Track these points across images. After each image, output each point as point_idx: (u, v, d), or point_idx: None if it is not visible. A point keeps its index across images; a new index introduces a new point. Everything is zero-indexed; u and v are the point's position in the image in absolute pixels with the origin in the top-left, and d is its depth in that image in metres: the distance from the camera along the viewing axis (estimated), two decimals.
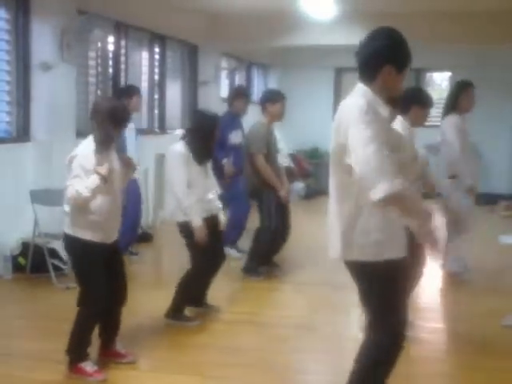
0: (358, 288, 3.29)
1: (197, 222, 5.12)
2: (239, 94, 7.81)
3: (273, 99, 6.74)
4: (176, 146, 5.26)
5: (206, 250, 5.23)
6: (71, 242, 4.26)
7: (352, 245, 3.14)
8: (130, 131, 6.99)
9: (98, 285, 4.21)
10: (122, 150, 5.47)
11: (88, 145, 4.20)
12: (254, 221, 7.25)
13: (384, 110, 3.14)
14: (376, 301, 3.24)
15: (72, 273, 6.49)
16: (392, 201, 2.91)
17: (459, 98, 6.57)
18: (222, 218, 5.51)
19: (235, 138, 7.58)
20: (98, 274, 4.22)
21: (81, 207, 4.14)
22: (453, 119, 6.53)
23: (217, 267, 5.50)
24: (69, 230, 4.23)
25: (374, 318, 3.27)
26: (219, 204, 5.47)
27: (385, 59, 3.10)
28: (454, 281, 6.61)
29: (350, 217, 3.13)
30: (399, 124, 5.63)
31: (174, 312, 5.35)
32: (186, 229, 5.22)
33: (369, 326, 3.33)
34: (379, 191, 2.87)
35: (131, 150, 6.95)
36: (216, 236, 5.38)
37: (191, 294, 5.46)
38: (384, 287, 3.18)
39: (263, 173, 6.61)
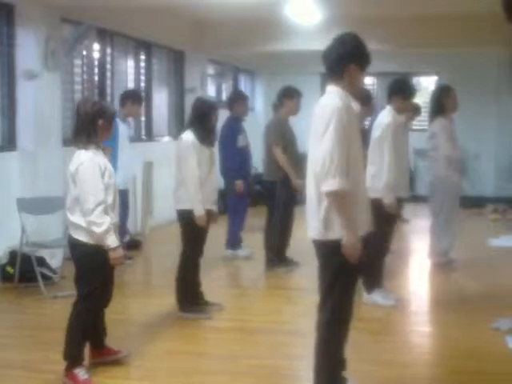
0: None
1: (199, 211, 5.37)
2: (240, 98, 8.02)
3: (290, 95, 7.22)
4: (185, 136, 5.52)
5: (201, 241, 5.57)
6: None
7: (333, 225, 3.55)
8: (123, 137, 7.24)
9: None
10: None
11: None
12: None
13: (355, 105, 3.67)
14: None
15: (61, 281, 6.55)
16: (332, 197, 3.50)
17: (444, 102, 6.90)
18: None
19: (242, 141, 7.81)
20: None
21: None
22: (441, 122, 6.87)
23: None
24: None
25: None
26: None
27: (351, 59, 3.62)
28: (445, 283, 6.62)
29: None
30: (387, 113, 5.76)
31: (182, 305, 5.53)
32: (187, 216, 5.41)
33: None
34: (328, 184, 3.46)
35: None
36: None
37: (189, 282, 5.58)
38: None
39: (280, 163, 7.02)
